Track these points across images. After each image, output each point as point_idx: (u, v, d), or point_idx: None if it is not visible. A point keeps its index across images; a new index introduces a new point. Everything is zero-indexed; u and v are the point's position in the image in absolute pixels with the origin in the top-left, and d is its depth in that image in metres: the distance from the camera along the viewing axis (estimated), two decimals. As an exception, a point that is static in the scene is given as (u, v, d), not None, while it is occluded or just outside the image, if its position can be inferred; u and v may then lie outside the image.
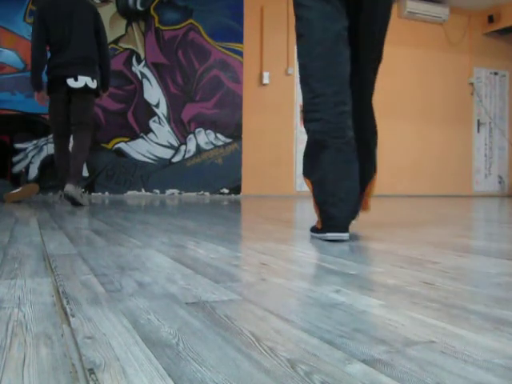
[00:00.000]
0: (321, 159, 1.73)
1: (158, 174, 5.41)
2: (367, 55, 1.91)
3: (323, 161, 1.72)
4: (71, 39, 3.74)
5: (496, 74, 7.50)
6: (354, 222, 1.96)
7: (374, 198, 5.86)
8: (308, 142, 1.80)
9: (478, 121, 7.39)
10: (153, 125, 5.39)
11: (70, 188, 3.59)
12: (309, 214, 2.98)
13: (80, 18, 3.79)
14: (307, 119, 1.80)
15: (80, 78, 3.75)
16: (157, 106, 5.41)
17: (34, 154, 4.91)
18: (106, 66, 4.04)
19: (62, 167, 3.85)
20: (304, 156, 1.83)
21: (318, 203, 1.73)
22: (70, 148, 3.87)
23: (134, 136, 5.31)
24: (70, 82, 3.72)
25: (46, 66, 3.81)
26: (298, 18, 1.81)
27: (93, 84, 3.83)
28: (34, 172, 4.90)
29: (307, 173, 1.80)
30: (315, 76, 1.77)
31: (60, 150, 3.86)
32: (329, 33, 1.75)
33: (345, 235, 1.65)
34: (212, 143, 5.63)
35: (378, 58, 1.96)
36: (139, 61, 5.34)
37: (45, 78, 3.80)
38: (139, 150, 5.34)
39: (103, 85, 4.09)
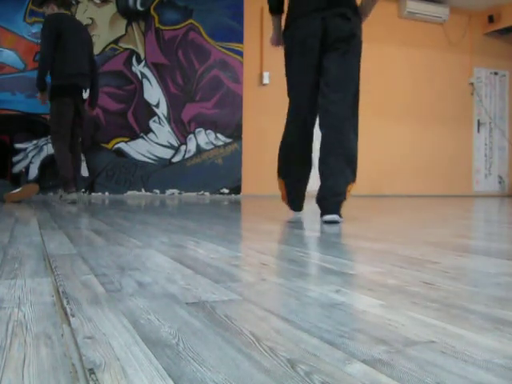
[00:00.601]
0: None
1: (158, 174, 5.41)
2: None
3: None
4: (81, 54, 4.12)
5: (496, 73, 7.50)
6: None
7: (375, 198, 5.85)
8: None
9: (478, 121, 7.39)
10: (153, 125, 5.39)
11: (80, 195, 4.27)
12: (309, 214, 2.98)
13: (85, 38, 4.20)
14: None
15: (87, 90, 4.18)
16: (157, 105, 5.41)
17: (34, 154, 4.91)
18: (97, 83, 4.43)
19: (68, 168, 4.07)
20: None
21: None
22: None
23: (134, 136, 5.31)
24: (81, 92, 4.14)
25: (59, 72, 4.04)
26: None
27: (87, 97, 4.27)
28: (34, 172, 4.90)
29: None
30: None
31: (65, 150, 4.09)
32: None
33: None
34: (212, 143, 5.62)
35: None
36: (139, 61, 5.33)
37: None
38: (139, 149, 5.34)
39: (94, 102, 4.42)
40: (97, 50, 5.07)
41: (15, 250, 1.35)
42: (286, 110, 2.72)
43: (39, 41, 4.26)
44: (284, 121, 2.75)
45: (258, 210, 3.41)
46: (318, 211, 3.21)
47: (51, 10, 4.11)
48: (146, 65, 5.36)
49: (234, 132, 5.70)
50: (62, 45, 3.99)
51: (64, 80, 4.03)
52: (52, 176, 4.89)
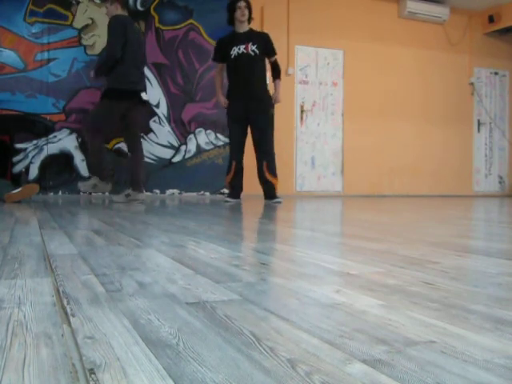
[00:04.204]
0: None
1: (158, 174, 5.41)
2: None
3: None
4: (140, 59, 4.31)
5: (496, 73, 7.50)
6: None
7: (375, 198, 5.85)
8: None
9: (478, 121, 7.38)
10: (153, 125, 5.39)
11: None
12: (309, 214, 2.98)
13: (141, 40, 4.46)
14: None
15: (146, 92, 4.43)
16: (157, 106, 5.40)
17: (34, 154, 4.90)
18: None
19: (143, 168, 4.47)
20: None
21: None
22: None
23: (134, 136, 5.30)
24: (143, 94, 4.31)
25: (117, 77, 4.17)
26: None
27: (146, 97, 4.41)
28: (34, 172, 4.90)
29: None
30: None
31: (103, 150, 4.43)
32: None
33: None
34: (212, 143, 5.62)
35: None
36: (139, 61, 5.32)
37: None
38: (139, 149, 5.33)
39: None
40: (97, 50, 5.07)
41: (15, 250, 1.35)
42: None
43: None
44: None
45: (257, 210, 3.41)
46: (319, 212, 3.21)
47: (115, 8, 4.21)
48: (146, 65, 5.36)
49: (234, 132, 5.69)
50: (126, 49, 4.12)
51: (122, 85, 4.17)
52: (52, 176, 4.89)
